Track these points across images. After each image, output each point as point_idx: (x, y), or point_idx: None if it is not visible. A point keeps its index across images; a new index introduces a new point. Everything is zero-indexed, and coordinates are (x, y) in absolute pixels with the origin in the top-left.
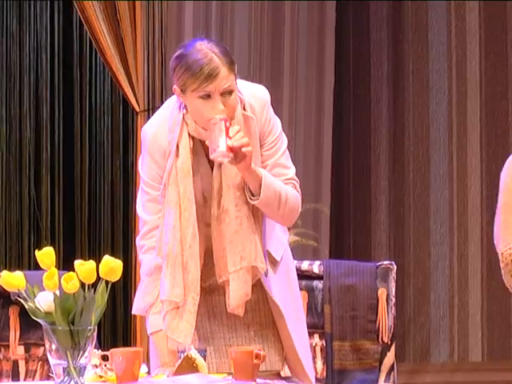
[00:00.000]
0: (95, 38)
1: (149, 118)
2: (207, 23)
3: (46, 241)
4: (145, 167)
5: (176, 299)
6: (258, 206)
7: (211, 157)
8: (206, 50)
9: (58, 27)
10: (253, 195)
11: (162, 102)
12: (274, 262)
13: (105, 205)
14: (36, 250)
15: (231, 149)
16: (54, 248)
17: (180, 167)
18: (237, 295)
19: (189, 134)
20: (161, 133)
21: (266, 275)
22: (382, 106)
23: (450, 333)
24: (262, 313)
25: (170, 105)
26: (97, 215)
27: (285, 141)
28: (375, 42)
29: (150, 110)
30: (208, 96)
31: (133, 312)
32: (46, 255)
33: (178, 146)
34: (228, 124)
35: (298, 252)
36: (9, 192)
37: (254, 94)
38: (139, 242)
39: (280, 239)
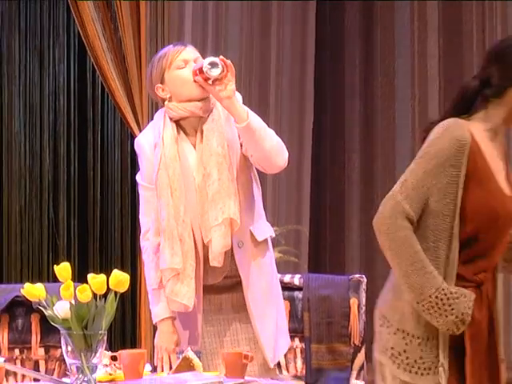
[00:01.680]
0: (106, 82)
1: None
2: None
3: (63, 257)
4: (141, 170)
5: (177, 266)
6: (245, 133)
7: (204, 68)
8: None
9: (74, 73)
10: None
11: None
12: (254, 242)
13: (115, 226)
14: (54, 265)
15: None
16: (70, 263)
17: (167, 154)
18: (217, 247)
19: (172, 121)
20: (148, 134)
21: (240, 246)
22: (354, 137)
23: None
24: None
25: (154, 118)
26: (108, 235)
27: None
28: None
29: None
30: (185, 63)
31: (149, 289)
32: (63, 269)
33: (163, 137)
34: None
35: (281, 267)
36: (31, 215)
37: None
38: (141, 243)
39: (263, 229)
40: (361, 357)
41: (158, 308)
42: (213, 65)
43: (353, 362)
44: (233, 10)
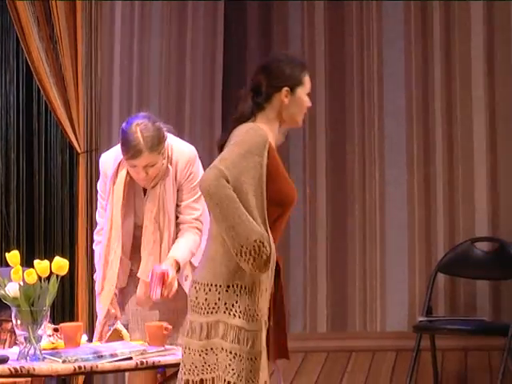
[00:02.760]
0: (49, 100)
1: (88, 157)
2: (130, 79)
3: (13, 245)
4: (99, 182)
5: (99, 290)
6: None
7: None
8: (137, 135)
9: (22, 92)
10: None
11: (97, 146)
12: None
13: (56, 220)
14: (6, 253)
15: (162, 295)
16: (19, 251)
17: (115, 193)
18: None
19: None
20: (110, 157)
21: (186, 279)
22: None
23: (303, 311)
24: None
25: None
26: (51, 227)
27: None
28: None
29: (88, 151)
30: (134, 166)
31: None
32: (13, 256)
33: (116, 172)
34: (166, 276)
35: None
36: None
37: (182, 152)
38: (94, 236)
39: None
40: None
41: (98, 284)
42: None
43: None
44: (156, 11)
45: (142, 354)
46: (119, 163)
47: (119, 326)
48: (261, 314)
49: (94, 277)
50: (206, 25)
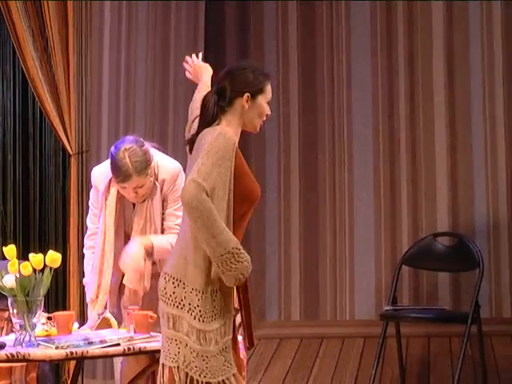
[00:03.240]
0: (43, 106)
1: (79, 158)
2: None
3: (10, 240)
4: (91, 193)
5: (92, 297)
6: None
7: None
8: (125, 160)
9: (19, 99)
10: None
11: (87, 148)
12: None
13: (50, 217)
14: (3, 247)
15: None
16: (16, 245)
17: (108, 208)
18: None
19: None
20: (98, 177)
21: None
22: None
23: (278, 301)
24: None
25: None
26: (45, 223)
27: None
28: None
29: (79, 153)
30: (124, 188)
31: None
32: (10, 250)
33: (108, 189)
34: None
35: None
36: None
37: (167, 168)
38: (85, 240)
39: None
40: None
41: (89, 291)
42: None
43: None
44: (142, 11)
45: (129, 340)
46: (110, 180)
47: (108, 314)
48: (223, 313)
49: (84, 282)
50: (189, 26)
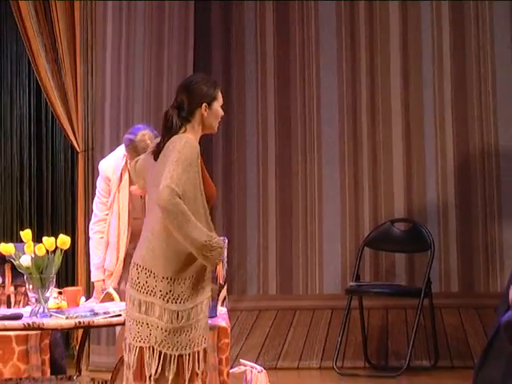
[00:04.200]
0: (54, 110)
1: (86, 155)
2: (119, 83)
3: (27, 225)
4: (100, 183)
5: (111, 269)
6: None
7: None
8: (146, 141)
9: (34, 104)
10: None
11: (93, 146)
12: None
13: (61, 205)
14: (20, 231)
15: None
16: (31, 229)
17: (121, 191)
18: None
19: (128, 171)
20: (108, 169)
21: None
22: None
23: (257, 278)
24: None
25: (117, 152)
26: (56, 211)
27: None
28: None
29: (86, 150)
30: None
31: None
32: (26, 234)
33: (121, 177)
34: None
35: None
36: (6, 198)
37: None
38: (91, 226)
39: None
40: (224, 291)
41: (95, 273)
42: None
43: (219, 294)
44: (140, 11)
45: None
46: (122, 169)
47: (111, 290)
48: (198, 295)
49: (93, 264)
50: (180, 23)
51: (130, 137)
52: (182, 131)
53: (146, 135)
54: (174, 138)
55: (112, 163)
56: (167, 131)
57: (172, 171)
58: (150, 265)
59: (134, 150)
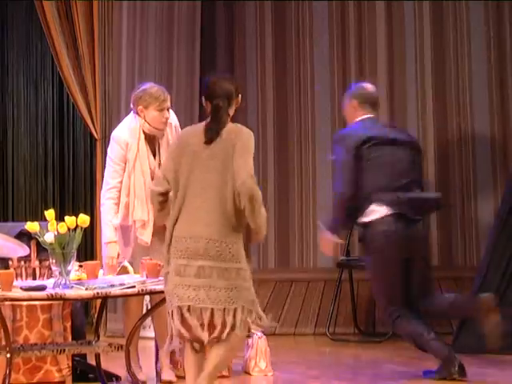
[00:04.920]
0: (76, 102)
1: (103, 142)
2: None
3: (50, 205)
4: (114, 152)
5: (145, 218)
6: None
7: None
8: (160, 89)
9: (57, 96)
10: None
11: (110, 133)
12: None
13: (81, 187)
14: (45, 211)
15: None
16: (54, 210)
17: (141, 155)
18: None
19: (144, 133)
20: (123, 134)
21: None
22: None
23: (257, 253)
24: None
25: (127, 120)
26: (77, 192)
27: None
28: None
29: (103, 138)
30: (162, 110)
31: (107, 222)
32: (50, 213)
33: (138, 143)
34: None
35: None
36: (32, 183)
37: (173, 115)
38: (103, 193)
39: None
40: None
41: (110, 233)
42: None
43: None
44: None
45: (142, 283)
46: (138, 138)
47: (126, 263)
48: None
49: (110, 223)
50: (188, 22)
51: (137, 93)
52: (230, 121)
53: (156, 86)
54: (232, 127)
55: (126, 133)
56: (217, 121)
57: (248, 161)
58: (225, 238)
59: (149, 96)
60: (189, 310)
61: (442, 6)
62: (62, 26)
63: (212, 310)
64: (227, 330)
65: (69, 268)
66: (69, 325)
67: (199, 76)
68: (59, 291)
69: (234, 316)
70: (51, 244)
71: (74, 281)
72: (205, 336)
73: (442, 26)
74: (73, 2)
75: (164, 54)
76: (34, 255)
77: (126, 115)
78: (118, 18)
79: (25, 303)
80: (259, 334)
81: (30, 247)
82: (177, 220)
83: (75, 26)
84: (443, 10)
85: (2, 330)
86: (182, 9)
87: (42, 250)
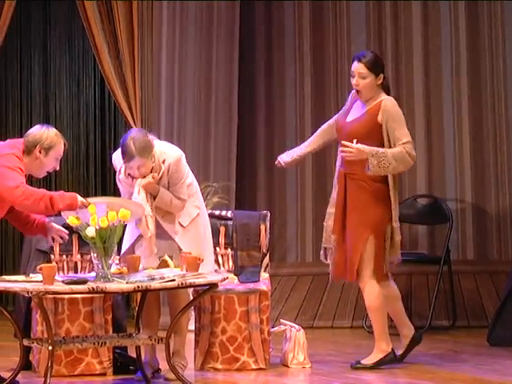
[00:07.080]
0: (116, 97)
1: None
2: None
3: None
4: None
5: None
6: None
7: None
8: (130, 147)
9: (99, 93)
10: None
11: (150, 128)
12: (182, 227)
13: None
14: None
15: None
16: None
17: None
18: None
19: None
20: (118, 161)
21: (177, 234)
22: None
23: (295, 247)
24: None
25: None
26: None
27: (186, 181)
28: None
29: None
30: (130, 167)
31: None
32: (91, 208)
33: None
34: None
35: (220, 206)
36: (74, 177)
37: (171, 155)
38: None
39: (190, 213)
40: (266, 259)
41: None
42: None
43: (262, 261)
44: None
45: (182, 277)
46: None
47: (166, 257)
48: None
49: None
50: (227, 21)
51: (122, 141)
52: None
53: (131, 140)
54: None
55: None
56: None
57: (404, 128)
58: None
59: (121, 151)
60: None
61: (476, 6)
62: (103, 25)
63: None
64: None
65: (110, 262)
66: (110, 318)
67: (238, 75)
68: (100, 284)
69: None
70: (92, 238)
71: (114, 274)
72: None
73: (477, 25)
74: (114, 2)
75: (203, 53)
76: (75, 249)
77: (166, 111)
78: (158, 18)
79: (66, 296)
80: (297, 327)
81: (71, 241)
82: None
83: (116, 26)
84: (478, 9)
85: (44, 323)
86: (221, 9)
87: (83, 244)
